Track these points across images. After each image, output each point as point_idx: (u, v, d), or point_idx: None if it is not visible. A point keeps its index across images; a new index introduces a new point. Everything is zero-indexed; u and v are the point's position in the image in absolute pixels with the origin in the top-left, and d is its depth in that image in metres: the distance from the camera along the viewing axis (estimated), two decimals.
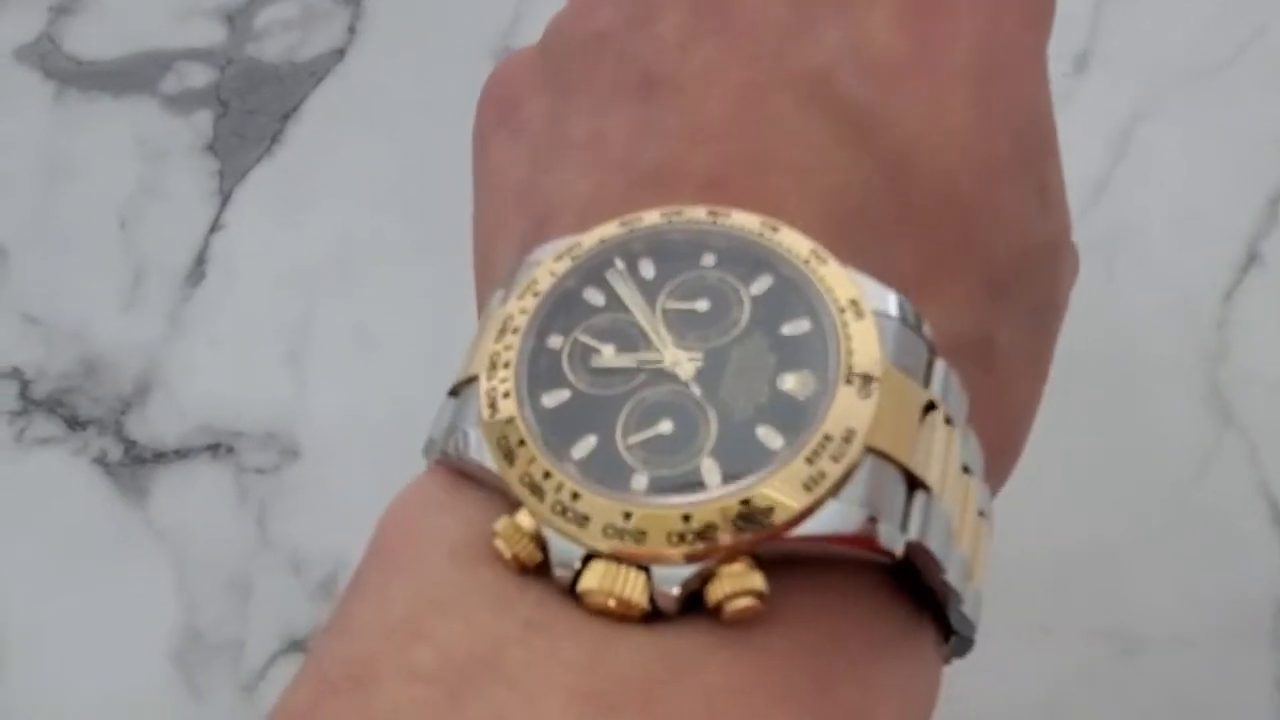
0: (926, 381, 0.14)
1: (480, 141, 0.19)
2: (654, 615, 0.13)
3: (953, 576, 0.14)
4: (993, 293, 0.16)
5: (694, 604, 0.13)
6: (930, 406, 0.14)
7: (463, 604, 0.13)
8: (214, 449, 0.36)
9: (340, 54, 0.41)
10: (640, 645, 0.13)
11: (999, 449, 0.16)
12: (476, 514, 0.14)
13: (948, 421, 0.14)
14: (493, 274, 0.17)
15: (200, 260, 0.39)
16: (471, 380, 0.14)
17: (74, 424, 0.37)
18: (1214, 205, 0.35)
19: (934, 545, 0.13)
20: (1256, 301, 0.34)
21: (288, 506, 0.35)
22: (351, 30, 0.42)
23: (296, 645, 0.34)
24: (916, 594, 0.14)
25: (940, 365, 0.14)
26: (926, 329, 0.14)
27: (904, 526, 0.13)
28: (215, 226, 0.39)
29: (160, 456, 0.36)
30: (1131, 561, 0.32)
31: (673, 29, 0.17)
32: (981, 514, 0.15)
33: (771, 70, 0.16)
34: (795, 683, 0.13)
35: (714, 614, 0.13)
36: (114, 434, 0.37)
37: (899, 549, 0.13)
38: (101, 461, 0.36)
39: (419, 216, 0.38)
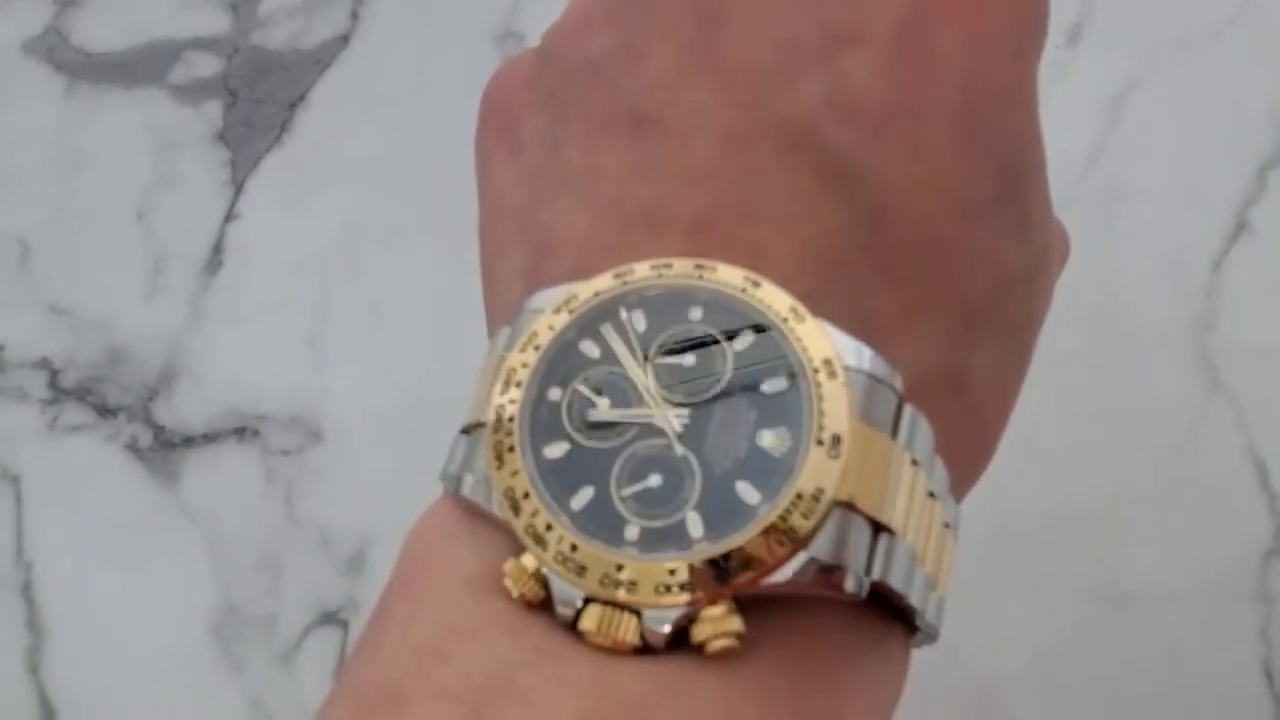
0: (895, 429, 0.15)
1: (482, 153, 0.19)
2: (646, 648, 0.14)
3: (915, 599, 0.15)
4: (968, 325, 0.16)
5: (682, 634, 0.14)
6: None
7: (479, 631, 0.15)
8: (240, 432, 0.38)
9: (344, 40, 0.42)
10: (636, 671, 0.14)
11: (967, 465, 0.17)
12: (489, 547, 0.15)
13: (914, 463, 0.15)
14: (497, 295, 0.18)
15: (217, 249, 0.40)
16: (481, 424, 0.16)
17: (104, 411, 0.38)
18: (1204, 174, 0.35)
19: (896, 581, 0.15)
20: (1245, 270, 0.34)
21: (313, 486, 0.37)
22: (354, 16, 0.42)
23: (328, 617, 0.36)
24: (884, 606, 0.16)
25: (908, 412, 0.15)
26: (898, 382, 0.15)
27: (869, 569, 0.14)
28: (230, 216, 0.40)
29: (189, 441, 0.38)
30: (1122, 521, 0.33)
31: (662, 67, 0.17)
32: (947, 525, 0.16)
33: (756, 117, 0.16)
34: (775, 697, 0.14)
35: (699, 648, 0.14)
36: (143, 420, 0.38)
37: (864, 591, 0.14)
38: (133, 447, 0.38)
39: (426, 198, 0.38)
